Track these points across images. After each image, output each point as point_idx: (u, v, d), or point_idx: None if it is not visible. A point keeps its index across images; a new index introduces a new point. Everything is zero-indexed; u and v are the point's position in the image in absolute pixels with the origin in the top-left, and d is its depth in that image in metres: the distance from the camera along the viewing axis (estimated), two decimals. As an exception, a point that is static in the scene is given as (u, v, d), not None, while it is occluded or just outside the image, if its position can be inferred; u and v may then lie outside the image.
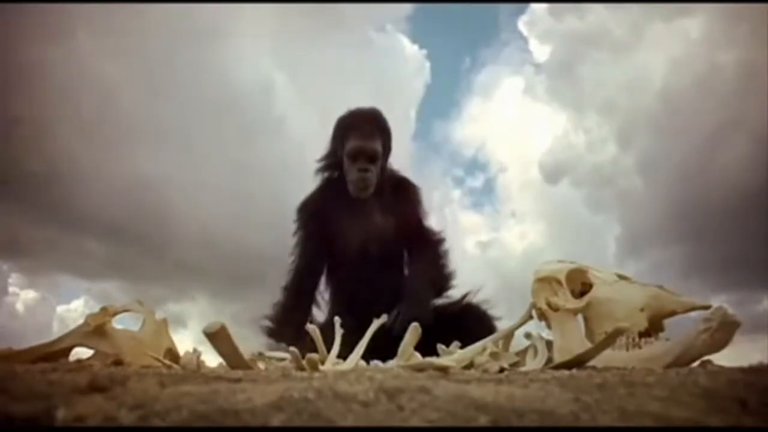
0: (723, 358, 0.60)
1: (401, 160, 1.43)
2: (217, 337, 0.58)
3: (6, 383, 0.30)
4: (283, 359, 0.76)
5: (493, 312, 1.31)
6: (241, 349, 0.60)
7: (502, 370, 0.58)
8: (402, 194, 1.40)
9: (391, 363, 0.78)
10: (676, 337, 0.66)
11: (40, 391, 0.29)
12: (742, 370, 0.43)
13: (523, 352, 0.77)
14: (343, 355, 0.74)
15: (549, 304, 0.74)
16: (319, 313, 1.39)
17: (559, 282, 0.76)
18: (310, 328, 0.79)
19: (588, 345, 0.65)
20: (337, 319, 0.83)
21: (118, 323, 0.84)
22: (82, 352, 0.82)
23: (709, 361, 0.60)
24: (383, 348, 0.84)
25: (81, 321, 0.81)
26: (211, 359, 0.65)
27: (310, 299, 1.35)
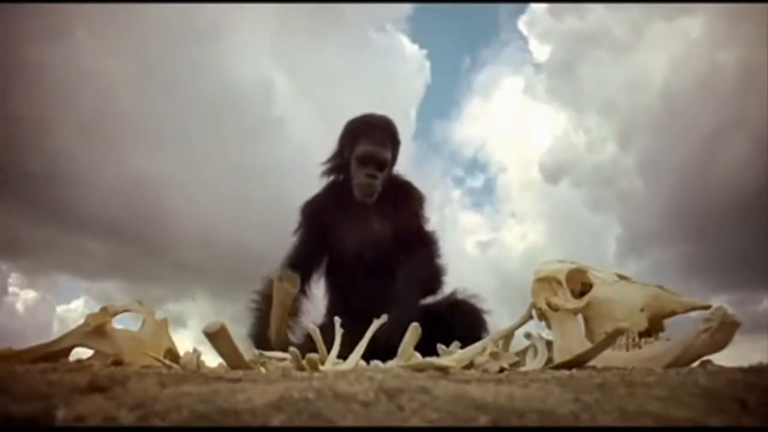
0: (723, 358, 0.61)
1: (401, 160, 1.42)
2: (217, 337, 0.58)
3: (6, 383, 0.30)
4: (283, 359, 0.76)
5: (482, 305, 1.31)
6: (241, 349, 0.60)
7: (502, 370, 0.58)
8: (404, 200, 1.39)
9: (391, 363, 0.78)
10: (676, 337, 0.66)
11: (40, 391, 0.29)
12: (742, 370, 0.43)
13: (523, 352, 0.77)
14: (343, 355, 0.74)
15: (549, 304, 0.74)
16: (317, 314, 1.39)
17: (559, 282, 0.76)
18: (310, 328, 0.79)
19: (588, 345, 0.65)
20: (337, 319, 0.83)
21: (118, 323, 0.84)
22: (82, 352, 0.82)
23: (709, 361, 0.60)
24: (378, 351, 0.84)
25: (81, 321, 0.81)
26: (211, 359, 0.65)
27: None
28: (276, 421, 0.23)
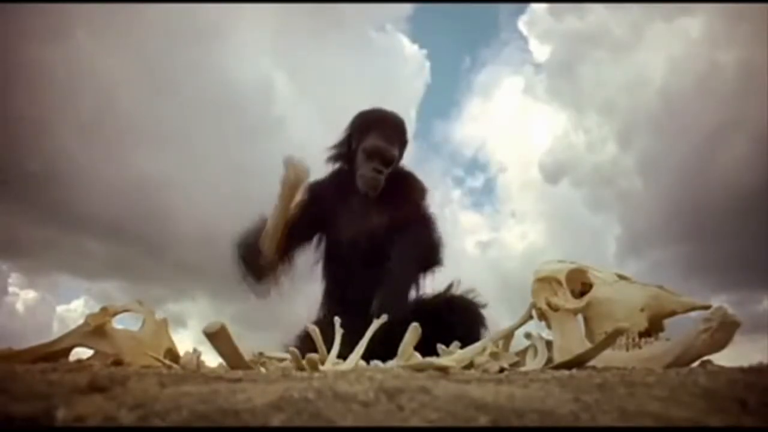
0: (723, 358, 0.61)
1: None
2: (217, 337, 0.58)
3: (6, 383, 0.30)
4: (283, 359, 0.76)
5: (479, 300, 1.31)
6: (241, 349, 0.60)
7: (502, 370, 0.59)
8: (406, 193, 1.39)
9: (391, 363, 0.78)
10: (676, 337, 0.66)
11: (40, 391, 0.29)
12: (742, 370, 0.43)
13: (523, 352, 0.77)
14: (343, 354, 0.74)
15: (549, 304, 0.74)
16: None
17: (559, 282, 0.76)
18: (310, 328, 0.80)
19: (588, 345, 0.65)
20: (337, 319, 0.83)
21: (118, 323, 0.84)
22: (82, 352, 0.82)
23: (709, 361, 0.60)
24: (377, 349, 0.84)
25: (81, 321, 0.81)
26: (211, 359, 0.65)
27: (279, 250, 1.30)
28: (276, 421, 0.23)
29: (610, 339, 0.59)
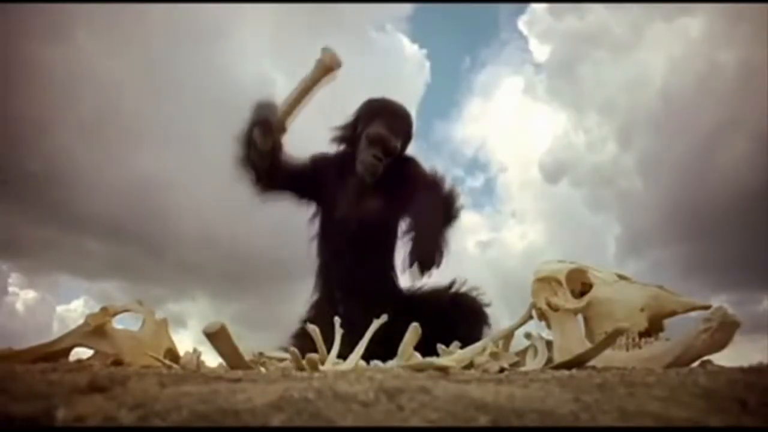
0: (723, 358, 0.61)
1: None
2: (217, 337, 0.58)
3: (6, 383, 0.30)
4: (283, 359, 0.76)
5: (483, 299, 1.32)
6: (241, 349, 0.60)
7: (502, 370, 0.59)
8: (406, 178, 1.39)
9: (391, 363, 0.78)
10: (676, 337, 0.66)
11: (40, 391, 0.29)
12: (742, 370, 0.43)
13: (523, 352, 0.78)
14: (343, 354, 0.74)
15: (549, 304, 0.74)
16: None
17: (559, 282, 0.76)
18: (310, 328, 0.80)
19: (588, 345, 0.65)
20: (337, 319, 0.83)
21: (118, 323, 0.84)
22: (82, 352, 0.82)
23: (709, 361, 0.60)
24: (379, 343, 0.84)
25: (81, 321, 0.82)
26: (211, 359, 0.65)
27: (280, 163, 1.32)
28: (276, 421, 0.23)
29: (610, 339, 0.59)
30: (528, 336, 0.77)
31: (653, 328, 0.70)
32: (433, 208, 1.28)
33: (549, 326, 0.74)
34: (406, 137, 1.39)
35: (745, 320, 0.60)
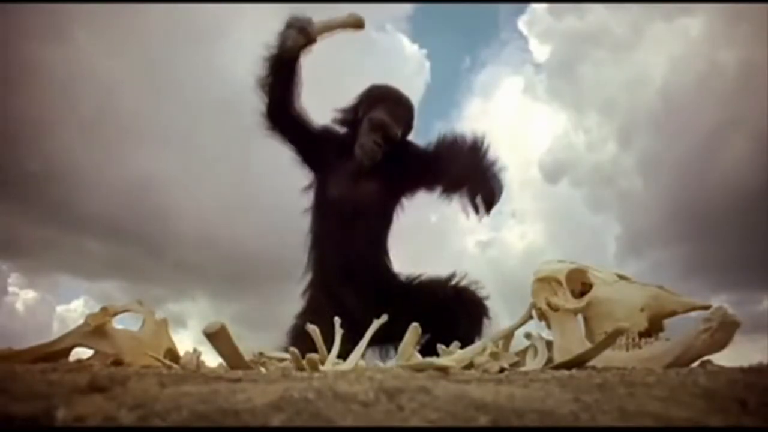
0: (723, 358, 0.61)
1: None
2: (217, 337, 0.58)
3: (6, 383, 0.30)
4: (283, 359, 0.76)
5: (483, 293, 1.33)
6: (241, 349, 0.60)
7: (502, 370, 0.59)
8: (405, 161, 1.40)
9: (391, 363, 0.78)
10: (676, 337, 0.66)
11: (40, 391, 0.29)
12: (742, 370, 0.43)
13: (523, 352, 0.77)
14: (342, 354, 0.74)
15: (549, 304, 0.74)
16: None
17: (559, 282, 0.76)
18: (310, 328, 0.79)
19: (588, 345, 0.65)
20: (337, 320, 0.83)
21: (118, 323, 0.84)
22: (82, 352, 0.82)
23: (709, 361, 0.61)
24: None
25: (81, 321, 0.81)
26: (211, 359, 0.65)
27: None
28: (276, 421, 0.23)
29: (610, 339, 0.59)
30: (528, 336, 0.77)
31: (653, 328, 0.70)
32: (465, 155, 1.32)
33: (549, 326, 0.74)
34: (407, 126, 1.39)
35: (745, 320, 0.60)
